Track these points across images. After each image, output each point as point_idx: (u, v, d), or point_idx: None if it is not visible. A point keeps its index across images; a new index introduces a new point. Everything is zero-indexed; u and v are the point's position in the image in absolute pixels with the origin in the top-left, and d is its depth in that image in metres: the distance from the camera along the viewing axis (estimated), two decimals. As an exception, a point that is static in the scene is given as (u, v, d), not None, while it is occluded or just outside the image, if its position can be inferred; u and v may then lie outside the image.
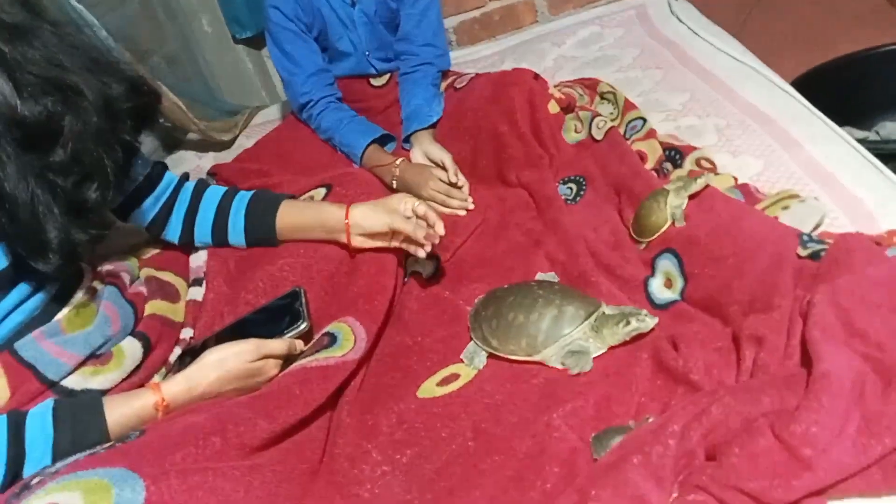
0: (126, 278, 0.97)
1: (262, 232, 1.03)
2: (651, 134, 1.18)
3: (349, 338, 0.92)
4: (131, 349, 0.87)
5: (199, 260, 1.07)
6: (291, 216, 1.03)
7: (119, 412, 0.76)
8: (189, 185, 1.06)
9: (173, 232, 1.05)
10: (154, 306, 0.95)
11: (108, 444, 0.70)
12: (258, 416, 0.75)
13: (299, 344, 0.92)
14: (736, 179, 1.03)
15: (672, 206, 0.94)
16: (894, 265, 0.73)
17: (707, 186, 0.95)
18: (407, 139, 1.43)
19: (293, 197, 1.11)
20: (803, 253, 0.82)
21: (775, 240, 0.84)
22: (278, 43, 1.46)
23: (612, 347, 0.86)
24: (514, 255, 1.11)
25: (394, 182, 1.34)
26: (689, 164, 1.09)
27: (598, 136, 1.21)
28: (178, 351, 0.97)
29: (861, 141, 1.09)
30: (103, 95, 0.82)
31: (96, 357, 0.84)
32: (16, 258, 0.80)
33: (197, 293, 1.03)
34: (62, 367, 0.80)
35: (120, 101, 0.85)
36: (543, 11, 2.04)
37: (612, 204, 1.11)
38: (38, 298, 0.83)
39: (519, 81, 1.29)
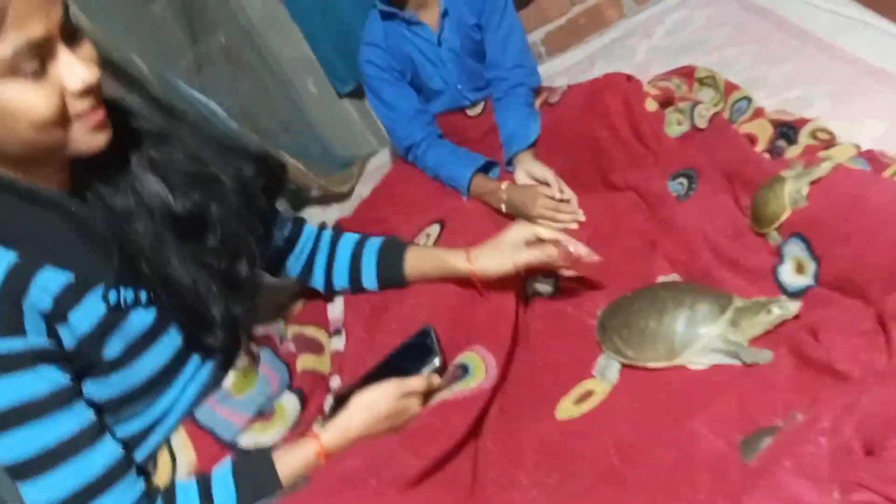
0: (277, 339, 1.07)
1: (392, 280, 1.09)
2: (759, 113, 1.13)
3: (480, 367, 0.95)
4: (291, 404, 0.96)
5: (336, 311, 1.15)
6: (417, 265, 1.08)
7: (287, 465, 0.84)
8: (326, 235, 1.13)
9: (317, 280, 1.12)
10: (304, 361, 1.03)
11: (281, 494, 0.79)
12: (407, 453, 0.79)
13: (436, 378, 0.97)
14: (859, 147, 0.97)
15: (790, 193, 0.90)
16: None
17: (832, 170, 0.90)
18: (510, 162, 1.46)
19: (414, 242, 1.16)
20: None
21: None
22: (376, 94, 1.56)
23: (751, 341, 0.84)
24: (631, 260, 1.10)
25: (502, 206, 1.37)
26: (804, 138, 1.04)
27: (702, 124, 1.18)
28: (329, 399, 1.05)
29: None
30: (239, 179, 0.91)
31: (262, 415, 0.93)
32: (186, 337, 0.89)
33: (339, 343, 1.11)
34: (235, 427, 0.89)
35: (253, 180, 0.93)
36: (630, 4, 2.00)
37: (727, 193, 1.07)
38: (208, 368, 0.92)
39: (611, 85, 1.29)
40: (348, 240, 1.12)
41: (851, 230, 0.84)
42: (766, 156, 1.03)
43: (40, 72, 0.67)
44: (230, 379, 0.93)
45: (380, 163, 1.92)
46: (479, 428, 0.92)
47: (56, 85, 0.69)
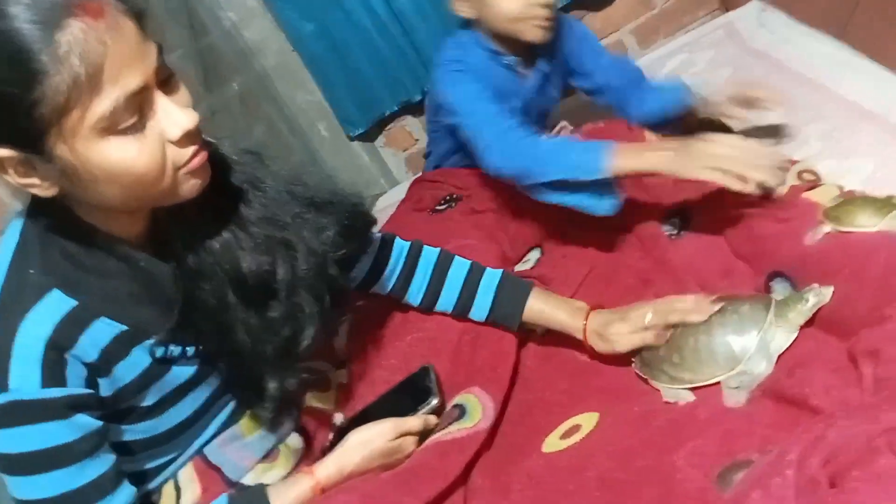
0: None
1: (504, 319, 1.06)
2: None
3: (477, 408, 0.97)
4: (295, 444, 0.97)
5: (340, 342, 1.16)
6: (534, 313, 1.05)
7: (282, 499, 0.85)
8: (431, 255, 1.09)
9: (414, 299, 1.09)
10: (310, 398, 1.04)
11: None
12: (402, 493, 0.81)
13: (433, 419, 0.98)
14: (841, 189, 0.98)
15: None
16: None
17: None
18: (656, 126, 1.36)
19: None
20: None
21: (888, 245, 0.80)
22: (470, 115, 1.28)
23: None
24: (625, 298, 1.11)
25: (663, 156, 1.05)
26: (790, 178, 1.06)
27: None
28: (330, 436, 1.07)
29: None
30: (314, 246, 0.85)
31: (267, 456, 0.94)
32: (238, 400, 0.90)
33: (343, 376, 1.13)
34: (242, 468, 0.91)
35: (332, 246, 0.87)
36: (633, 47, 2.05)
37: (718, 232, 1.09)
38: (229, 410, 0.92)
39: (613, 130, 1.31)
40: (461, 267, 1.09)
41: (833, 269, 0.85)
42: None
43: (140, 125, 0.65)
44: (243, 420, 0.93)
45: (388, 202, 1.96)
46: (473, 466, 0.93)
47: (156, 135, 0.66)
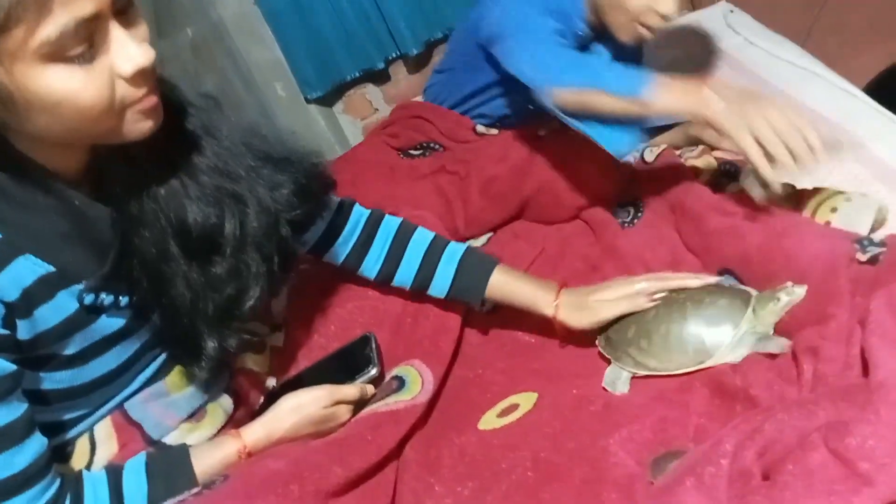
0: None
1: (466, 295, 1.02)
2: (706, 151, 1.16)
3: (416, 381, 0.95)
4: (224, 406, 0.92)
5: (279, 305, 1.12)
6: (499, 290, 1.00)
7: (206, 462, 0.81)
8: (391, 223, 1.04)
9: (369, 270, 1.04)
10: (243, 360, 1.00)
11: (195, 490, 0.76)
12: (333, 462, 0.78)
13: (370, 388, 0.96)
14: (793, 187, 0.99)
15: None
16: (958, 264, 0.69)
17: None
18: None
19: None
20: (863, 258, 0.78)
21: (829, 247, 0.81)
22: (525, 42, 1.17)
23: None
24: (572, 282, 1.11)
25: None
26: (745, 176, 1.07)
27: (650, 158, 1.20)
28: (261, 399, 1.03)
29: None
30: (267, 203, 0.81)
31: (193, 416, 0.89)
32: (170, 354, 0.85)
33: (278, 339, 1.09)
34: (165, 427, 0.86)
35: (286, 205, 0.83)
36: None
37: (670, 223, 1.10)
38: (157, 365, 0.86)
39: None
40: (422, 238, 1.04)
41: (776, 269, 0.86)
42: (707, 188, 1.05)
43: (89, 55, 0.60)
44: (170, 376, 0.88)
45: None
46: (408, 440, 0.91)
47: (106, 69, 0.61)
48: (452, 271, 1.01)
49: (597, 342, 0.94)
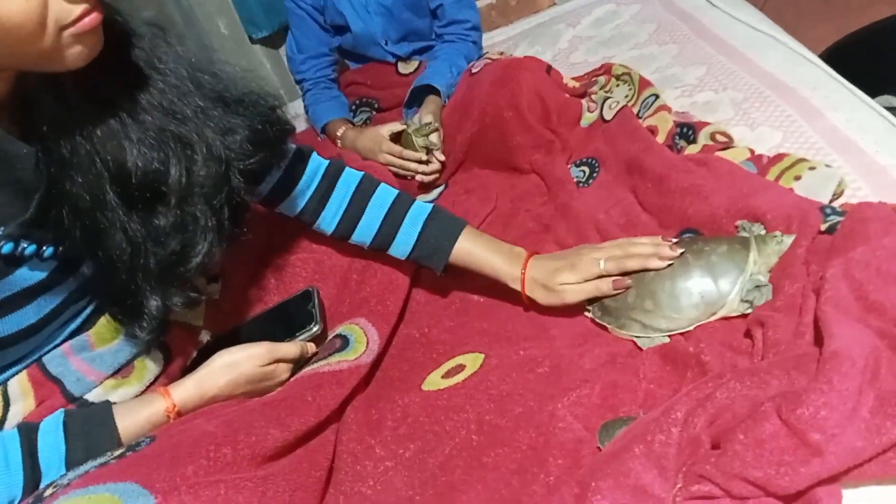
0: None
1: (431, 257, 0.95)
2: (662, 108, 1.14)
3: (361, 340, 0.91)
4: (153, 361, 0.86)
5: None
6: (465, 255, 0.94)
7: (130, 420, 0.75)
8: (352, 177, 0.97)
9: (326, 225, 0.98)
10: (176, 313, 0.92)
11: (118, 452, 0.69)
12: (270, 424, 0.73)
13: (311, 347, 0.91)
14: (752, 151, 0.98)
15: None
16: (914, 234, 0.68)
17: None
18: (408, 104, 1.44)
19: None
20: (823, 227, 0.77)
21: (799, 208, 0.79)
22: (291, 26, 1.56)
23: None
24: (523, 242, 1.07)
25: (339, 143, 1.43)
26: (703, 138, 1.05)
27: (609, 116, 1.17)
28: (194, 354, 0.97)
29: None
30: (217, 149, 0.74)
31: (119, 372, 0.82)
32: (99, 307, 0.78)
33: (214, 290, 1.03)
34: (88, 383, 0.79)
35: (238, 153, 0.76)
36: (562, -8, 1.99)
37: (626, 184, 1.07)
38: (80, 320, 0.80)
39: (527, 68, 1.26)
40: (386, 194, 0.96)
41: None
42: (666, 148, 1.03)
43: None
44: (95, 328, 0.81)
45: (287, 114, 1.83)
46: (350, 401, 0.87)
47: None
48: (416, 234, 0.94)
49: (587, 312, 0.88)
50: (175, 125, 0.71)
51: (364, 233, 0.96)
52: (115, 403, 0.78)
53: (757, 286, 0.77)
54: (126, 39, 0.68)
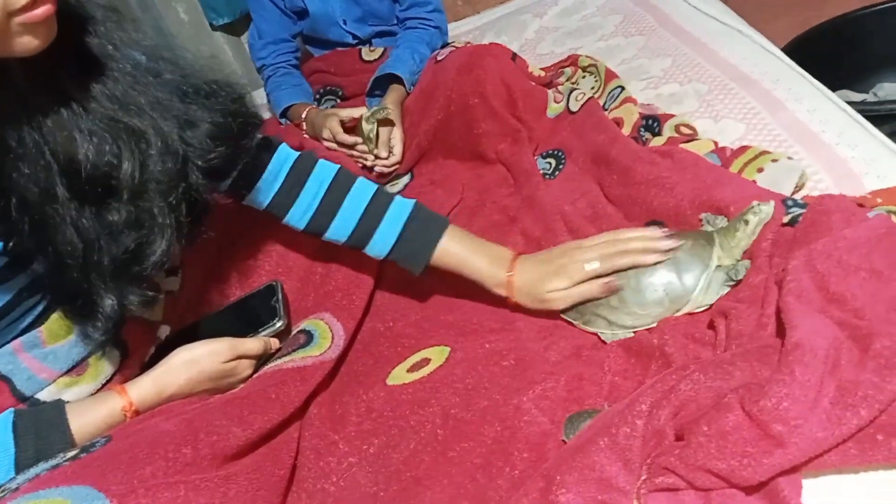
0: None
1: (411, 258, 0.90)
2: (628, 100, 1.14)
3: (326, 336, 0.89)
4: (109, 358, 0.82)
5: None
6: (446, 256, 0.90)
7: (84, 419, 0.72)
8: (326, 169, 0.92)
9: (296, 219, 0.92)
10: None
11: (72, 453, 0.66)
12: (232, 422, 0.71)
13: (275, 343, 0.89)
14: (716, 144, 0.99)
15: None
16: (874, 226, 0.69)
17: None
18: (371, 92, 1.42)
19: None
20: (785, 219, 0.78)
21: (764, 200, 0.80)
22: (251, 11, 1.54)
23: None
24: (490, 233, 1.07)
25: (304, 127, 1.40)
26: (668, 130, 1.05)
27: (575, 107, 1.17)
28: (152, 350, 0.94)
29: (857, 103, 1.04)
30: (173, 142, 0.70)
31: (73, 370, 0.79)
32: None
33: (173, 283, 1.00)
34: (39, 381, 0.76)
35: (197, 149, 0.73)
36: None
37: (592, 175, 1.07)
38: (33, 315, 0.76)
39: (493, 55, 1.25)
40: (364, 189, 0.91)
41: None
42: (632, 140, 1.03)
43: None
44: (47, 324, 0.78)
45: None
46: (315, 398, 0.86)
47: None
48: (396, 233, 0.89)
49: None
50: (129, 117, 0.68)
51: (339, 230, 0.91)
52: (68, 402, 0.75)
53: (730, 271, 0.77)
54: (79, 23, 0.65)
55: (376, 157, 1.31)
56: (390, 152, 1.31)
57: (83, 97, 0.65)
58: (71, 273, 0.68)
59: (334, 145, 1.31)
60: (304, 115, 1.40)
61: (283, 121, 1.49)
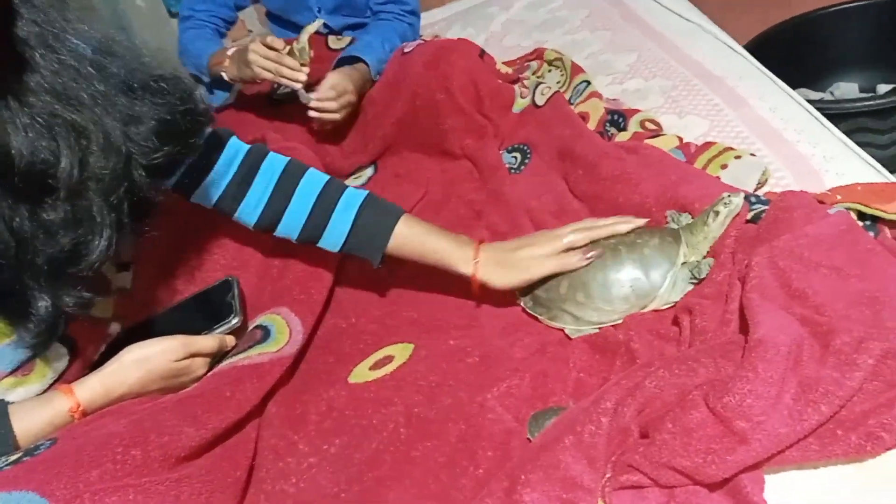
0: None
1: (367, 246, 0.88)
2: (593, 95, 1.14)
3: (283, 331, 0.86)
4: (56, 356, 0.78)
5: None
6: (404, 243, 0.88)
7: (28, 421, 0.69)
8: (277, 164, 0.89)
9: (247, 215, 0.89)
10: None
11: (14, 457, 0.63)
12: (184, 422, 0.68)
13: (230, 340, 0.86)
14: (681, 139, 0.99)
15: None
16: (834, 223, 0.70)
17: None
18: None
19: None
20: (748, 216, 0.78)
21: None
22: None
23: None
24: (455, 228, 1.04)
25: (226, 74, 1.27)
26: (633, 125, 1.05)
27: (541, 102, 1.16)
28: (102, 348, 0.91)
29: (814, 102, 1.06)
30: (114, 138, 0.67)
31: (18, 369, 0.75)
32: None
33: (125, 279, 0.96)
34: None
35: (144, 146, 0.70)
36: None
37: (558, 171, 1.06)
38: None
39: (461, 50, 1.23)
40: (314, 181, 0.89)
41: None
42: (598, 135, 1.02)
43: None
44: None
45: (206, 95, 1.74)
46: (272, 395, 0.83)
47: None
48: (349, 223, 0.87)
49: (520, 303, 0.87)
50: (68, 111, 0.64)
51: (291, 223, 0.89)
52: (11, 403, 0.71)
53: (694, 268, 0.77)
54: (16, 11, 0.61)
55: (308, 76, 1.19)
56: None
57: (18, 89, 0.62)
58: (2, 273, 0.65)
59: (261, 70, 1.17)
60: (230, 54, 1.26)
61: (205, 75, 1.34)
